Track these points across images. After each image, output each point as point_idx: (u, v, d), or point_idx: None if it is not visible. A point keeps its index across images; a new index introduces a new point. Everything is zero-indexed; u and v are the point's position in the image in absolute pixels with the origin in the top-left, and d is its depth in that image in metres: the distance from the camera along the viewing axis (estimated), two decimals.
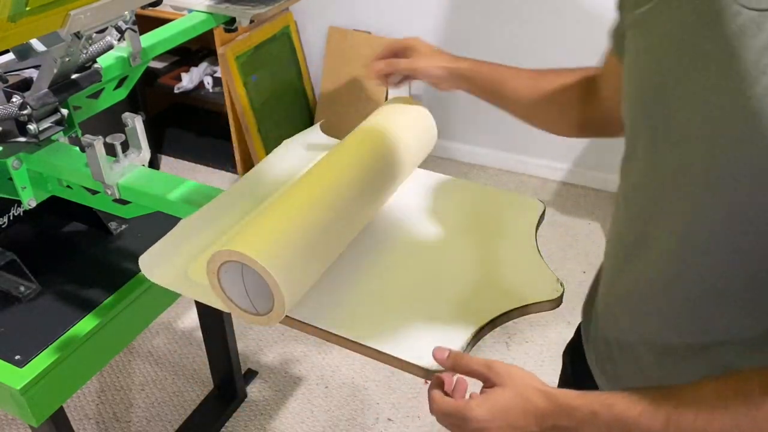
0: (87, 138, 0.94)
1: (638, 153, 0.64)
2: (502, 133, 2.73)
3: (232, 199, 0.93)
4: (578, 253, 2.36)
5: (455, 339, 0.78)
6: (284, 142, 1.05)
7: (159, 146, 2.99)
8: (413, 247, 0.91)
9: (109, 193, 1.00)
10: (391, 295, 0.83)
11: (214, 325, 1.67)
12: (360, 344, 0.77)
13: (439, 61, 0.93)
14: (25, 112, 0.97)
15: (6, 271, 1.13)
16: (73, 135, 1.16)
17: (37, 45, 1.00)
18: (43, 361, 0.99)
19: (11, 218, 1.21)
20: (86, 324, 1.06)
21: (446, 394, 0.69)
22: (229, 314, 1.65)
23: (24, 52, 1.03)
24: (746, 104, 0.49)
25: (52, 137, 1.06)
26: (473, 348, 0.79)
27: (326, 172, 0.87)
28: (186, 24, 1.30)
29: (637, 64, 0.62)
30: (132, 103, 2.54)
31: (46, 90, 0.99)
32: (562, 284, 0.82)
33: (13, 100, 0.97)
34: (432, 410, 0.67)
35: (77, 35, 0.90)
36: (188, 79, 2.78)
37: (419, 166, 1.04)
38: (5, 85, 1.00)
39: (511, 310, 0.81)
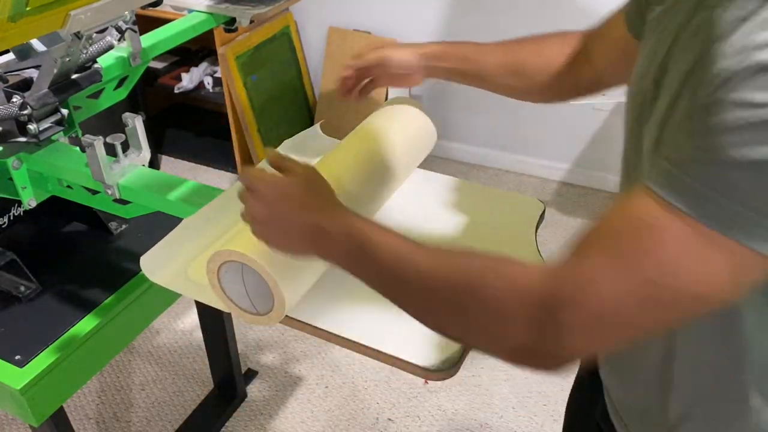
0: (87, 138, 0.94)
1: None
2: (501, 133, 2.73)
3: (232, 200, 0.93)
4: None
5: None
6: (284, 142, 1.05)
7: (159, 146, 2.99)
8: None
9: (109, 193, 1.00)
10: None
11: (214, 325, 1.67)
12: (360, 344, 0.77)
13: (408, 47, 0.92)
14: (25, 112, 0.97)
15: (6, 271, 1.13)
16: (73, 135, 1.16)
17: (37, 45, 1.00)
18: (43, 361, 0.99)
19: (11, 218, 1.21)
20: (86, 324, 1.06)
21: None
22: (229, 314, 1.65)
23: (24, 52, 1.03)
24: None
25: (52, 137, 1.06)
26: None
27: (324, 172, 0.87)
28: (186, 24, 1.30)
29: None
30: (132, 103, 2.54)
31: (47, 90, 0.99)
32: None
33: (13, 100, 0.97)
34: (241, 178, 0.70)
35: (77, 35, 0.90)
36: (188, 79, 2.78)
37: (419, 166, 1.04)
38: (5, 85, 1.00)
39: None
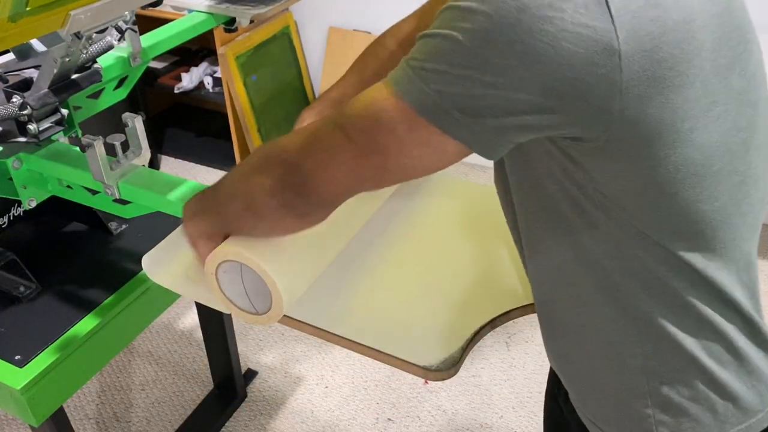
0: (87, 138, 0.94)
1: None
2: None
3: None
4: None
5: (455, 338, 0.78)
6: None
7: (159, 146, 2.99)
8: (413, 247, 0.91)
9: (109, 193, 1.00)
10: (390, 295, 0.84)
11: (214, 325, 1.67)
12: (360, 344, 0.77)
13: (315, 107, 0.95)
14: (25, 112, 0.97)
15: (6, 271, 1.13)
16: (73, 135, 1.16)
17: (37, 45, 1.00)
18: (43, 361, 0.99)
19: (11, 218, 1.21)
20: (86, 324, 1.06)
21: None
22: (229, 314, 1.65)
23: (24, 52, 1.03)
24: None
25: (52, 137, 1.06)
26: (473, 348, 0.79)
27: None
28: (186, 24, 1.30)
29: None
30: (132, 103, 2.54)
31: (46, 90, 0.99)
32: None
33: (13, 100, 0.97)
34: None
35: (77, 35, 0.90)
36: (188, 79, 2.78)
37: None
38: (5, 85, 1.00)
39: (511, 310, 0.82)
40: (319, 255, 0.79)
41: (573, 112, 0.52)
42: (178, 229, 0.86)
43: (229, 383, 1.82)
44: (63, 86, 1.01)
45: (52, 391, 1.02)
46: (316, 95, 2.95)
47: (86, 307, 1.09)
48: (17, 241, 1.21)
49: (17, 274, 1.13)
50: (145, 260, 0.82)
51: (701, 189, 0.57)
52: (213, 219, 0.71)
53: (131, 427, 1.79)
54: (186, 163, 2.95)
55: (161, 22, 1.40)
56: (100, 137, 0.95)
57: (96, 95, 1.17)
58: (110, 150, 0.97)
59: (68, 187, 1.11)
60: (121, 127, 0.99)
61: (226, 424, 1.80)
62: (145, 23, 1.62)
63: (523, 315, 0.83)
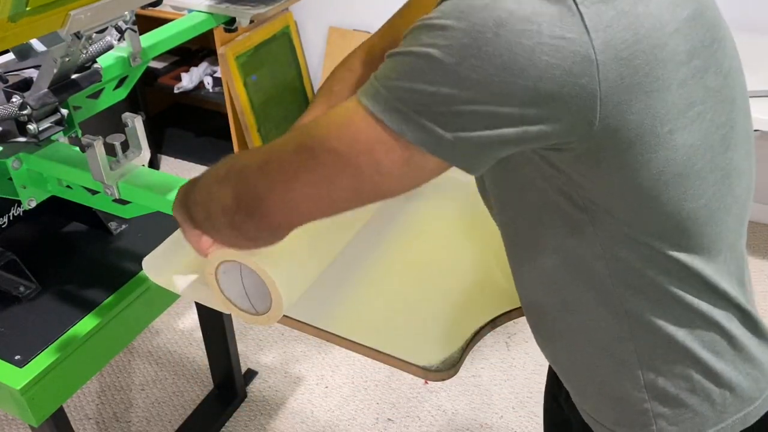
0: (87, 138, 0.94)
1: None
2: None
3: None
4: None
5: (455, 338, 0.78)
6: None
7: (159, 146, 2.99)
8: (413, 247, 0.91)
9: (109, 193, 1.00)
10: (390, 295, 0.84)
11: (214, 325, 1.67)
12: (360, 344, 0.77)
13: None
14: (25, 112, 0.97)
15: (6, 271, 1.13)
16: (73, 135, 1.16)
17: (37, 45, 1.00)
18: (43, 361, 0.99)
19: (11, 218, 1.21)
20: (86, 324, 1.05)
21: None
22: (229, 314, 1.65)
23: (24, 52, 1.03)
24: None
25: (52, 137, 1.06)
26: (473, 348, 0.79)
27: None
28: (186, 24, 1.30)
29: None
30: (132, 103, 2.54)
31: (46, 90, 0.99)
32: None
33: (13, 100, 0.97)
34: None
35: (77, 35, 0.90)
36: (188, 79, 2.78)
37: None
38: (5, 85, 1.00)
39: (511, 310, 0.82)
40: (318, 255, 0.79)
41: (555, 123, 0.52)
42: (179, 230, 0.86)
43: (229, 383, 1.82)
44: (63, 86, 1.01)
45: (52, 391, 1.02)
46: None
47: (86, 307, 1.09)
48: (17, 241, 1.21)
49: (17, 274, 1.13)
50: (146, 262, 0.82)
51: (685, 188, 0.58)
52: (188, 214, 0.71)
53: (131, 427, 1.79)
54: (186, 163, 2.95)
55: (161, 22, 1.40)
56: (100, 137, 0.95)
57: (96, 95, 1.17)
58: (110, 150, 0.96)
59: (68, 187, 1.11)
60: (121, 127, 0.99)
61: (226, 424, 1.80)
62: (145, 23, 1.62)
63: (523, 315, 0.83)
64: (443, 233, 0.94)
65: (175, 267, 0.83)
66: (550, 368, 0.91)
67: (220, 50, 2.45)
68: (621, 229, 0.60)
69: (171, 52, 2.64)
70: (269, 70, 2.68)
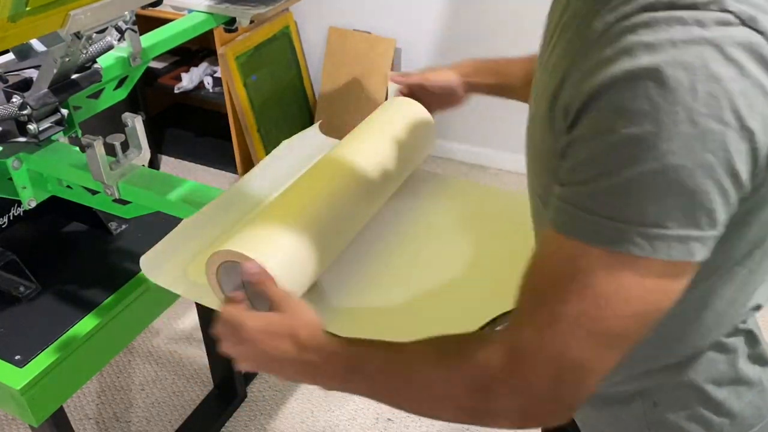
0: (87, 138, 0.94)
1: None
2: (502, 133, 2.73)
3: (231, 200, 0.93)
4: None
5: None
6: (283, 142, 1.05)
7: (159, 146, 2.99)
8: (413, 248, 0.91)
9: (109, 193, 1.00)
10: (390, 295, 0.83)
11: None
12: None
13: (444, 68, 0.95)
14: (25, 112, 0.97)
15: (6, 271, 1.13)
16: (73, 135, 1.16)
17: (37, 45, 1.00)
18: (43, 361, 0.99)
19: (11, 218, 1.21)
20: (86, 324, 1.05)
21: None
22: None
23: (24, 52, 1.03)
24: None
25: (52, 137, 1.06)
26: None
27: (324, 172, 0.87)
28: (186, 24, 1.30)
29: None
30: (132, 103, 2.54)
31: (46, 90, 0.99)
32: None
33: (13, 100, 0.97)
34: (219, 319, 0.69)
35: (77, 35, 0.90)
36: (188, 79, 2.78)
37: (419, 166, 1.04)
38: (5, 85, 1.00)
39: (511, 310, 0.81)
40: (318, 256, 0.79)
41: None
42: (177, 228, 0.86)
43: (229, 383, 1.82)
44: (63, 86, 1.01)
45: (52, 391, 1.02)
46: (316, 95, 2.95)
47: (86, 307, 1.09)
48: (17, 241, 1.21)
49: (17, 274, 1.13)
50: (143, 260, 0.82)
51: None
52: (307, 381, 0.65)
53: (131, 427, 1.79)
54: (186, 163, 2.95)
55: (161, 22, 1.40)
56: (100, 137, 0.95)
57: (96, 95, 1.17)
58: (110, 150, 0.97)
59: (68, 187, 1.11)
60: (121, 127, 0.99)
61: (226, 424, 1.80)
62: (145, 23, 1.62)
63: None
64: (443, 234, 0.94)
65: (173, 265, 0.83)
66: None
67: (220, 50, 2.45)
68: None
69: (171, 52, 2.64)
70: (269, 70, 2.68)
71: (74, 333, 1.04)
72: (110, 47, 1.06)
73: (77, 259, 1.20)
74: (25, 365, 0.99)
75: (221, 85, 2.66)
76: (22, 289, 1.11)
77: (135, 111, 1.00)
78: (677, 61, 0.43)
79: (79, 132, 1.16)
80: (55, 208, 1.21)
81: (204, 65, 2.85)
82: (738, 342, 0.65)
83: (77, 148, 1.07)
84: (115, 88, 1.19)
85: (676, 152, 0.44)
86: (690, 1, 0.44)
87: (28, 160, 1.06)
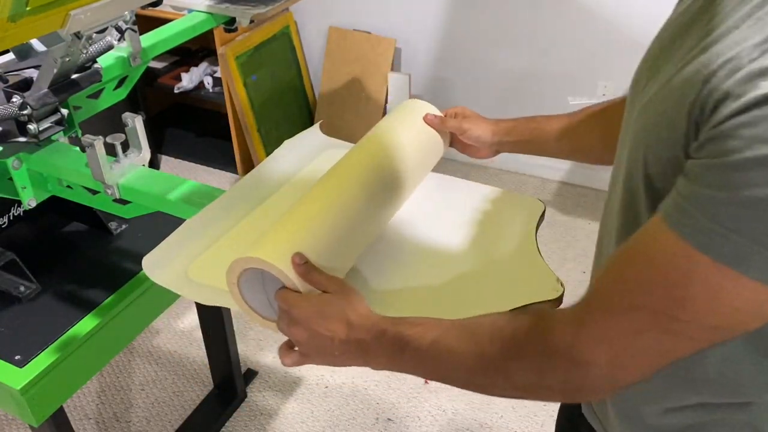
0: (87, 138, 0.94)
1: None
2: None
3: (232, 201, 0.93)
4: (578, 253, 2.37)
5: None
6: (284, 142, 1.05)
7: (159, 146, 2.99)
8: (413, 247, 0.91)
9: (109, 193, 1.00)
10: (390, 295, 0.83)
11: (214, 325, 1.67)
12: None
13: (484, 123, 0.96)
14: (25, 112, 0.97)
15: (6, 271, 1.13)
16: (73, 135, 1.16)
17: (37, 45, 1.00)
18: (43, 361, 0.99)
19: (11, 218, 1.21)
20: (86, 324, 1.06)
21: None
22: (229, 314, 1.65)
23: (24, 52, 1.03)
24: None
25: (52, 137, 1.06)
26: None
27: (344, 179, 0.85)
28: (186, 24, 1.30)
29: None
30: (132, 103, 2.54)
31: (46, 90, 0.99)
32: (562, 284, 0.82)
33: (13, 100, 0.97)
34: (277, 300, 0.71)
35: (77, 35, 0.90)
36: (188, 79, 2.78)
37: None
38: (5, 85, 1.00)
39: (511, 310, 0.81)
40: (338, 264, 0.78)
41: None
42: (179, 229, 0.86)
43: (229, 383, 1.82)
44: (63, 86, 1.01)
45: (52, 391, 1.02)
46: (316, 95, 2.95)
47: (86, 307, 1.09)
48: (17, 241, 1.21)
49: (17, 274, 1.13)
50: (146, 261, 0.81)
51: None
52: (360, 362, 0.67)
53: (131, 427, 1.80)
54: (186, 163, 2.95)
55: (161, 22, 1.40)
56: (100, 137, 0.95)
57: (96, 95, 1.17)
58: (110, 150, 0.97)
59: (68, 187, 1.11)
60: (121, 127, 0.99)
61: (226, 424, 1.80)
62: (145, 23, 1.62)
63: None
64: (443, 234, 0.94)
65: (174, 265, 0.83)
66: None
67: (220, 50, 2.45)
68: None
69: (171, 52, 2.64)
70: (269, 70, 2.68)
71: (74, 333, 1.04)
72: (110, 47, 1.06)
73: (77, 259, 1.20)
74: (25, 365, 0.99)
75: (221, 85, 2.66)
76: (22, 289, 1.11)
77: (135, 111, 1.00)
78: None
79: (79, 132, 1.16)
80: (55, 208, 1.21)
81: (204, 65, 2.85)
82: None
83: (77, 148, 1.07)
84: (115, 88, 1.19)
85: None
86: None
87: (28, 160, 1.06)
